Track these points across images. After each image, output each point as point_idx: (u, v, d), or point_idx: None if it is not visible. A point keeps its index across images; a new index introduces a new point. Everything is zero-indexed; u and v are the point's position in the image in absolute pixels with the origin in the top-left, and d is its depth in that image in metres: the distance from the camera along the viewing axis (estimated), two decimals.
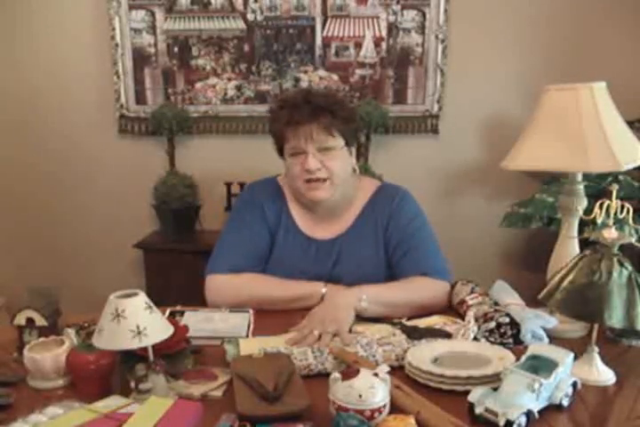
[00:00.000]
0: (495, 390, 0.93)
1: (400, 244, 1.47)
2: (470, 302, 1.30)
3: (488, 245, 2.60)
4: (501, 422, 0.87)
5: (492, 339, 1.17)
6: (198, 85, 2.51)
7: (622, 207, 1.08)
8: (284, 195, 1.54)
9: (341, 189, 1.44)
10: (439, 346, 1.12)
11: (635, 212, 1.10)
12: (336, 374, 0.90)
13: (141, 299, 0.95)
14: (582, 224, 1.33)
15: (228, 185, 2.46)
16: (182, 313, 1.33)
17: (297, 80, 2.47)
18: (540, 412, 0.91)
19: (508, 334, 1.18)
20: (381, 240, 1.49)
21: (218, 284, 1.43)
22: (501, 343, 1.16)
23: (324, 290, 1.37)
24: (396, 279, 1.43)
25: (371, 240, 1.49)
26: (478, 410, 0.90)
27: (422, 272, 1.41)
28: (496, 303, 1.29)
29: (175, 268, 2.33)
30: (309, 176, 1.38)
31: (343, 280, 1.44)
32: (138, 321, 0.92)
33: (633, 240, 1.05)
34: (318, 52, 2.45)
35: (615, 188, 1.07)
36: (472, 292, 1.34)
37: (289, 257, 1.48)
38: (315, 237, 1.50)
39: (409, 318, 1.30)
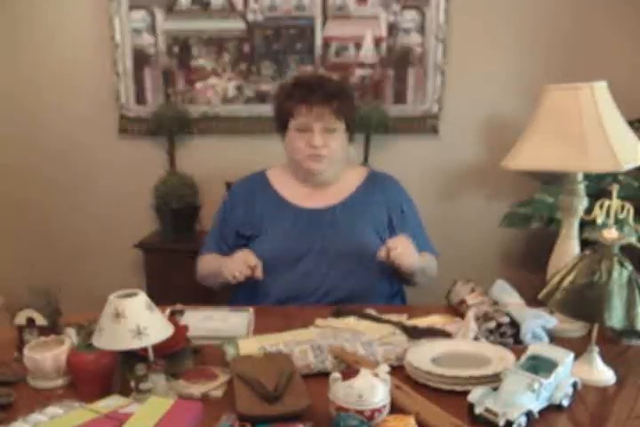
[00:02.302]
0: (495, 390, 0.93)
1: (404, 227, 1.58)
2: (470, 302, 1.30)
3: (488, 245, 2.60)
4: (501, 422, 0.87)
5: (491, 339, 1.18)
6: (198, 85, 2.51)
7: (622, 207, 1.08)
8: (269, 180, 1.64)
9: (335, 167, 1.58)
10: (439, 346, 1.12)
11: (635, 212, 1.10)
12: (336, 374, 0.91)
13: (141, 299, 0.95)
14: (582, 224, 1.33)
15: (228, 185, 2.45)
16: (182, 313, 1.33)
17: None
18: (540, 412, 0.91)
19: (508, 334, 1.18)
20: (379, 218, 1.58)
21: (198, 264, 1.67)
22: (501, 343, 1.16)
23: (237, 274, 1.41)
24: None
25: (366, 217, 1.58)
26: (478, 410, 0.90)
27: (428, 251, 1.61)
28: (496, 303, 1.29)
29: (175, 268, 2.32)
30: (313, 152, 1.50)
31: (331, 252, 1.51)
32: (138, 321, 0.92)
33: (633, 240, 1.05)
34: (318, 52, 2.45)
35: (615, 188, 1.07)
36: (472, 292, 1.34)
37: (280, 229, 1.56)
38: (306, 207, 1.59)
39: (409, 318, 1.30)
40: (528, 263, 2.55)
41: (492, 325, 1.18)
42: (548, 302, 1.07)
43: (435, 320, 1.28)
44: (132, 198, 2.62)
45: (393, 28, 2.41)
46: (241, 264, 1.41)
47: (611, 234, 1.03)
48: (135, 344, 0.92)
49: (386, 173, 1.71)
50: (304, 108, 1.49)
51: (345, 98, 1.54)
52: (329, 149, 1.51)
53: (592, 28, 2.38)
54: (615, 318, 0.99)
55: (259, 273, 1.42)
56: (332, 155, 1.53)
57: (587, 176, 1.32)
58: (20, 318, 1.13)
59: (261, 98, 2.50)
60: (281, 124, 1.58)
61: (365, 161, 2.40)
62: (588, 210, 1.17)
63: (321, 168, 1.54)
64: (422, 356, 1.07)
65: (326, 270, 1.51)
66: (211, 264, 1.58)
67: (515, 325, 1.18)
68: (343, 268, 1.51)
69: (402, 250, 1.38)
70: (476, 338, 1.17)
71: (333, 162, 1.55)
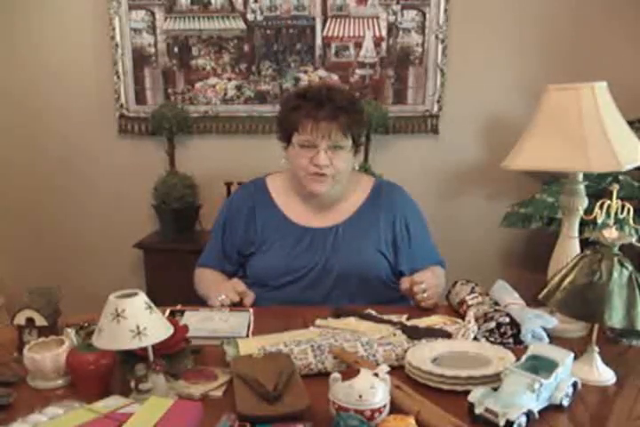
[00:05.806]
0: (495, 390, 0.93)
1: (410, 245, 1.55)
2: (470, 302, 1.30)
3: (488, 245, 2.60)
4: (501, 422, 0.87)
5: (492, 339, 1.17)
6: (198, 85, 2.51)
7: (622, 207, 1.08)
8: (270, 193, 1.59)
9: (339, 186, 1.51)
10: (439, 346, 1.12)
11: (635, 212, 1.10)
12: (336, 375, 0.90)
13: (141, 299, 0.95)
14: (582, 224, 1.32)
15: (228, 185, 2.45)
16: (182, 313, 1.33)
17: (297, 80, 2.46)
18: (540, 412, 0.91)
19: (508, 334, 1.18)
20: (383, 236, 1.54)
21: (195, 275, 1.63)
22: (501, 343, 1.16)
23: (223, 297, 1.39)
24: (403, 271, 1.54)
25: (370, 236, 1.53)
26: (478, 410, 0.90)
27: (435, 262, 1.59)
28: (496, 303, 1.29)
29: (175, 268, 2.32)
30: (317, 171, 1.44)
31: (336, 270, 1.48)
32: (138, 321, 0.92)
33: (633, 240, 1.05)
34: (318, 52, 2.45)
35: (615, 188, 1.07)
36: (472, 292, 1.34)
37: (282, 248, 1.53)
38: (310, 226, 1.54)
39: (409, 318, 1.30)
40: (528, 263, 2.55)
41: (492, 325, 1.18)
42: (548, 302, 1.06)
43: (435, 320, 1.28)
44: (132, 198, 2.62)
45: (393, 28, 2.41)
46: (229, 290, 1.41)
47: (611, 234, 1.03)
48: (135, 344, 0.92)
49: (392, 185, 1.64)
50: (310, 123, 1.41)
51: (353, 113, 1.45)
52: (334, 169, 1.44)
53: (592, 28, 2.38)
54: (615, 319, 0.98)
55: (247, 301, 1.41)
56: (336, 174, 1.46)
57: (587, 176, 1.32)
58: (20, 319, 1.13)
59: (261, 98, 2.50)
60: (284, 135, 1.51)
61: (365, 161, 2.40)
62: (589, 210, 1.17)
63: (323, 189, 1.47)
64: (422, 356, 1.07)
65: (329, 290, 1.49)
66: (205, 286, 1.55)
67: (515, 325, 1.18)
68: (346, 288, 1.49)
69: (429, 294, 1.36)
70: (475, 338, 1.17)
71: (337, 181, 1.48)
